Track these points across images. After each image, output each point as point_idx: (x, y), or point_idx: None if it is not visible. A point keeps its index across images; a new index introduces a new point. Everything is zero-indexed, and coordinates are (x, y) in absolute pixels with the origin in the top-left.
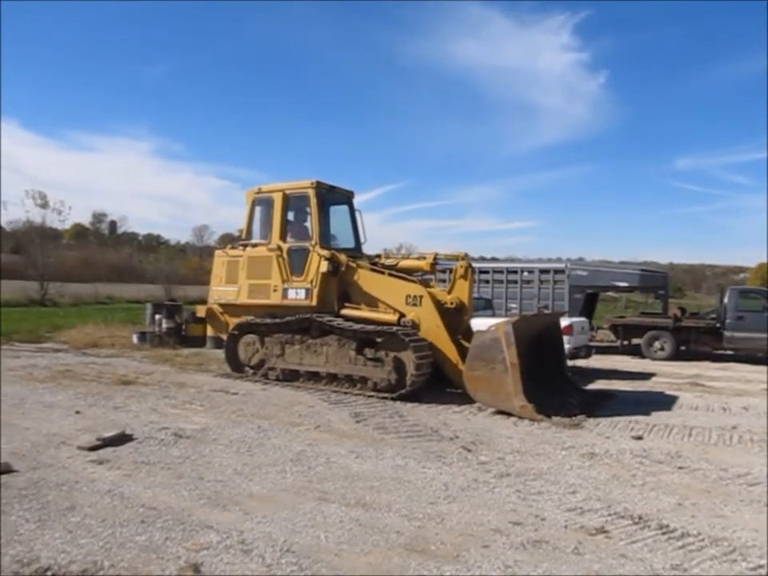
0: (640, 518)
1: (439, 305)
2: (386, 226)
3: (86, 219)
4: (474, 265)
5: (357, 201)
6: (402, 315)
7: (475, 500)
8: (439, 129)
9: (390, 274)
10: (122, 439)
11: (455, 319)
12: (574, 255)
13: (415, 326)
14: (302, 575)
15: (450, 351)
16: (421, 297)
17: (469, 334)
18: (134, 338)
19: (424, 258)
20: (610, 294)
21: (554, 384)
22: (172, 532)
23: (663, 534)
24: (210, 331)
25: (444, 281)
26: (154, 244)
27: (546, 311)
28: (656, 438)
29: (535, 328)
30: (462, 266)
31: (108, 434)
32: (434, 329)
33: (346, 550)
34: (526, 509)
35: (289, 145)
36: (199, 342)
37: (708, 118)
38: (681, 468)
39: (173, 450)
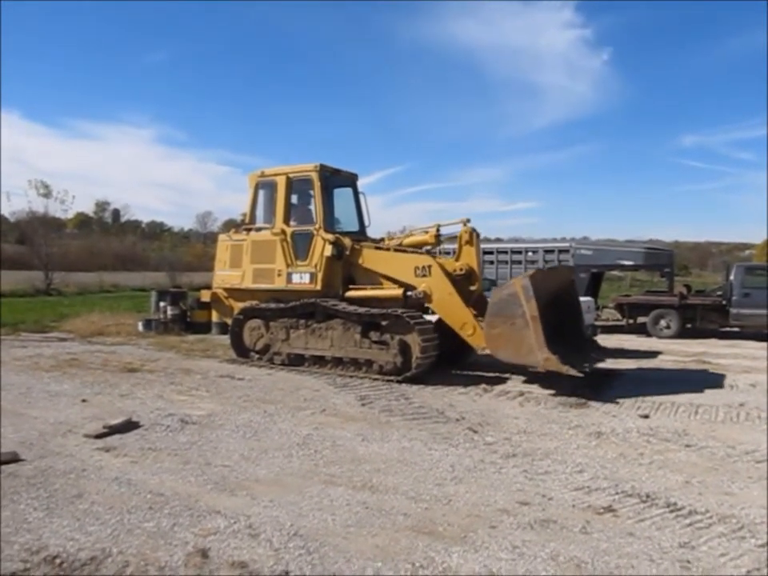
0: (647, 496)
1: (449, 274)
2: (389, 209)
3: (89, 208)
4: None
5: (359, 184)
6: (408, 289)
7: (482, 481)
8: (441, 110)
9: (396, 250)
10: (128, 426)
11: (466, 288)
12: (579, 235)
13: (427, 296)
14: (309, 558)
15: (467, 316)
16: (429, 266)
17: (482, 302)
18: (140, 326)
19: (427, 232)
20: (615, 272)
21: (572, 342)
22: (180, 518)
23: (671, 511)
24: (215, 317)
25: (449, 252)
26: (157, 231)
27: None
28: (662, 417)
29: (552, 285)
30: (466, 231)
31: (114, 422)
32: (446, 297)
33: (354, 532)
34: (533, 489)
35: (290, 130)
36: (204, 328)
37: (712, 94)
38: (688, 446)
39: (179, 436)
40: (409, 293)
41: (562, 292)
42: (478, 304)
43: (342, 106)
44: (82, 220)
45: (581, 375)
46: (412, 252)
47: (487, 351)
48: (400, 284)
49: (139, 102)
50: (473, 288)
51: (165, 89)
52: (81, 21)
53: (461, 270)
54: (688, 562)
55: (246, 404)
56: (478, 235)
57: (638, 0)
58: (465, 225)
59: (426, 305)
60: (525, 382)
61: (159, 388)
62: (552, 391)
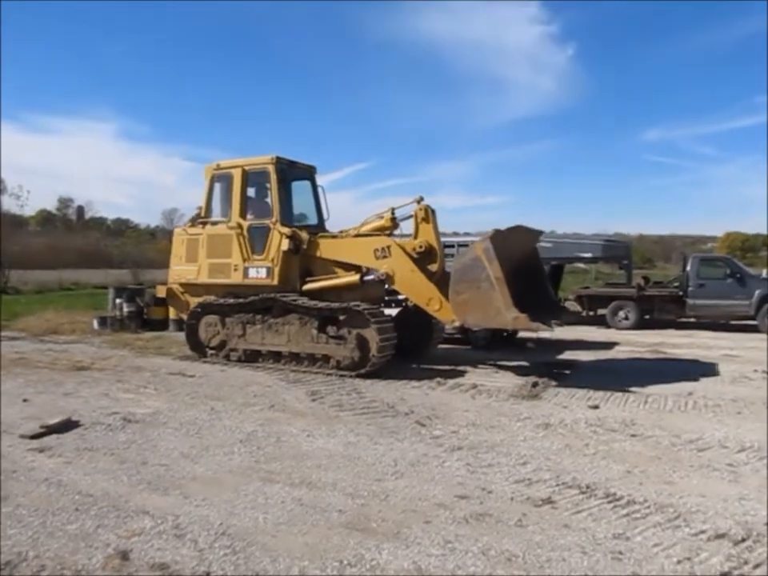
0: (588, 487)
1: (408, 253)
2: (359, 204)
3: (52, 205)
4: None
5: (328, 179)
6: (365, 273)
7: (423, 475)
8: (409, 105)
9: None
10: (67, 426)
11: (428, 265)
12: (547, 228)
13: (389, 277)
14: (234, 558)
15: (432, 291)
16: (389, 246)
17: (446, 279)
18: (95, 323)
19: (382, 217)
20: (581, 265)
21: (540, 304)
22: (105, 519)
23: (609, 502)
24: (172, 314)
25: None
26: (123, 228)
27: None
28: (612, 407)
29: (515, 247)
30: (421, 209)
31: (53, 421)
32: (408, 275)
33: (284, 530)
34: (473, 482)
35: (257, 124)
36: (162, 325)
37: (675, 90)
38: (633, 436)
39: (120, 435)
40: (366, 277)
41: (526, 256)
42: (441, 281)
43: (309, 100)
44: (45, 217)
45: (551, 330)
46: (370, 234)
47: (457, 323)
48: (359, 271)
49: (100, 95)
50: (434, 265)
51: (127, 82)
52: (39, 12)
53: (420, 247)
54: (620, 553)
55: (193, 401)
56: (433, 212)
57: None
58: (419, 203)
59: (390, 286)
60: (480, 375)
61: (106, 386)
62: (505, 383)
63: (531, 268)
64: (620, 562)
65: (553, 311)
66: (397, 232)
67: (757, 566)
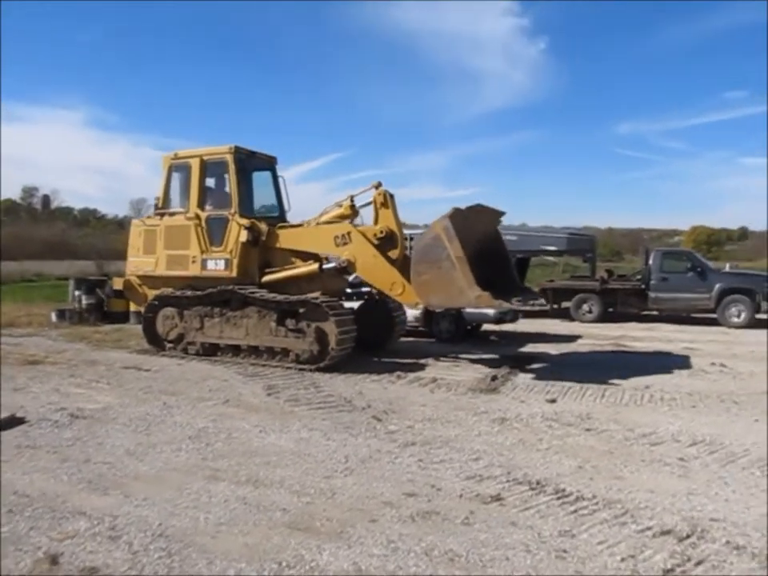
0: (538, 483)
1: (369, 240)
2: (333, 194)
3: (16, 194)
4: (405, 232)
5: (302, 169)
6: (323, 262)
7: (373, 472)
8: (384, 96)
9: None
10: (11, 423)
11: (389, 251)
12: (517, 221)
13: (351, 264)
14: (168, 561)
15: (394, 276)
16: (348, 233)
17: (407, 264)
18: (53, 316)
19: (341, 206)
20: (551, 258)
21: (503, 285)
22: (39, 521)
23: (558, 498)
24: (133, 306)
25: None
26: (89, 219)
27: None
28: (569, 401)
29: (477, 227)
30: (379, 194)
31: None
32: (370, 260)
33: (224, 531)
34: (423, 479)
35: (229, 115)
36: (122, 317)
37: (646, 84)
38: (588, 430)
39: (65, 431)
40: (325, 266)
41: (488, 237)
42: (404, 266)
43: (283, 89)
44: (9, 206)
45: (514, 307)
46: (329, 222)
47: (420, 306)
48: (318, 260)
49: (69, 83)
50: (395, 251)
51: (96, 70)
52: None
53: (381, 232)
54: (564, 551)
55: (146, 396)
56: (392, 196)
57: None
58: (377, 188)
59: (353, 273)
60: (441, 368)
61: (57, 381)
62: (465, 377)
63: (494, 250)
64: (563, 561)
65: (516, 290)
66: (358, 221)
67: (699, 563)
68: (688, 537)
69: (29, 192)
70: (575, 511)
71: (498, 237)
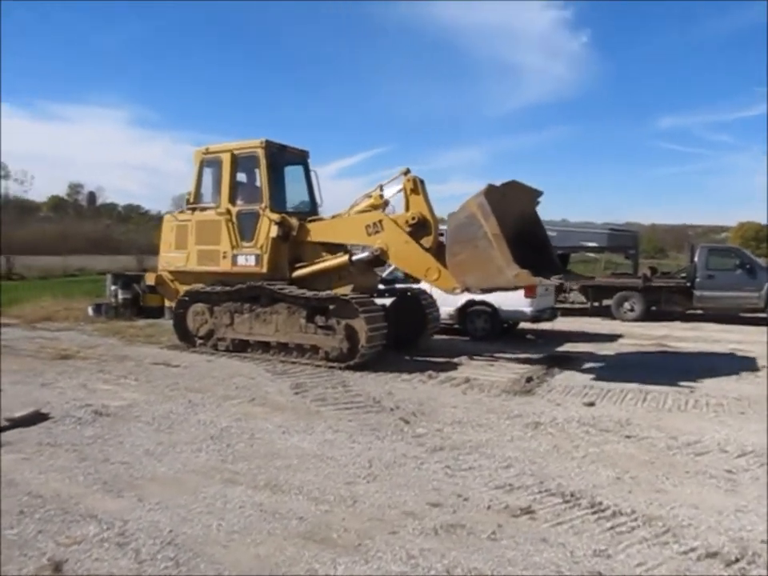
0: (572, 495)
1: (401, 226)
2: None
3: (63, 191)
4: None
5: (341, 165)
6: (353, 253)
7: (398, 478)
8: (421, 91)
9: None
10: (35, 419)
11: (422, 239)
12: (557, 217)
13: (384, 252)
14: (175, 572)
15: (429, 261)
16: (380, 221)
17: (442, 250)
18: (90, 311)
19: (371, 196)
20: (592, 255)
21: (542, 266)
22: (49, 524)
23: (594, 513)
24: (167, 301)
25: None
26: (133, 215)
27: None
28: (608, 404)
29: (514, 205)
30: (408, 180)
31: (20, 414)
32: (403, 247)
33: (236, 540)
34: (450, 487)
35: (268, 112)
36: (157, 312)
37: (690, 76)
38: (628, 437)
39: (87, 429)
40: (355, 257)
41: (527, 217)
42: (439, 254)
43: (321, 86)
44: (57, 203)
45: (556, 284)
46: (360, 212)
47: (458, 290)
48: (348, 252)
49: (111, 82)
50: (429, 237)
51: (137, 68)
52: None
53: (413, 219)
54: (599, 574)
55: (172, 393)
56: (422, 182)
57: None
58: (406, 175)
59: (387, 261)
60: (475, 367)
61: (86, 376)
62: (499, 378)
63: (533, 232)
64: None
65: (557, 272)
66: (390, 211)
67: None
68: (737, 561)
69: (75, 189)
70: (612, 528)
71: (536, 218)
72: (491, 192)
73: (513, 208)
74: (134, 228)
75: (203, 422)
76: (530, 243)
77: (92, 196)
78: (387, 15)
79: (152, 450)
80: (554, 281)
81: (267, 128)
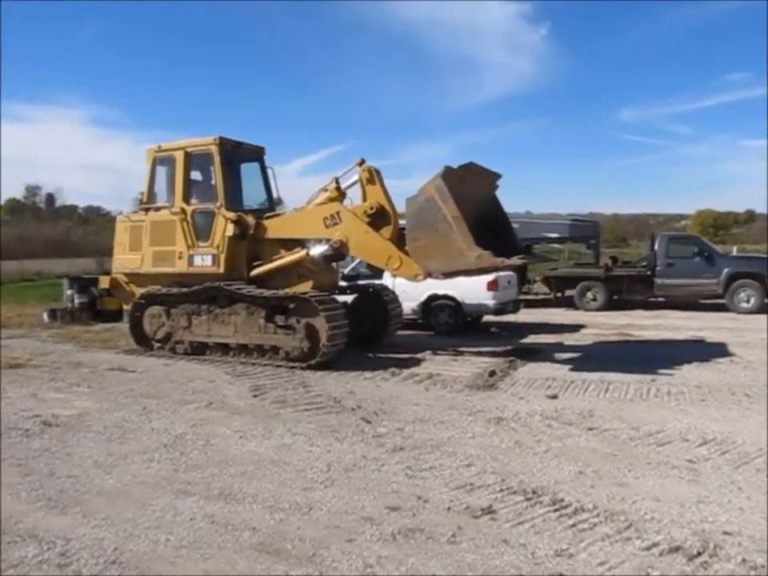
0: (534, 492)
1: (360, 217)
2: None
3: (20, 194)
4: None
5: (301, 163)
6: (310, 248)
7: (356, 482)
8: (383, 86)
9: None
10: None
11: (381, 229)
12: (521, 209)
13: (343, 244)
14: None
15: (390, 249)
16: (338, 212)
17: (402, 239)
18: (45, 316)
19: (327, 190)
20: (556, 245)
21: (504, 247)
22: None
23: (555, 510)
24: (125, 305)
25: None
26: (94, 217)
27: None
28: (571, 397)
29: (474, 189)
30: (364, 170)
31: None
32: (363, 237)
33: (185, 555)
34: (410, 489)
35: (230, 109)
36: (115, 316)
37: (649, 68)
38: (590, 429)
39: (34, 441)
40: (312, 251)
41: (486, 201)
42: (400, 243)
43: (282, 82)
44: (13, 206)
45: (519, 263)
46: (317, 205)
47: (421, 277)
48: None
49: (70, 81)
50: (388, 228)
51: (95, 67)
52: None
53: (371, 208)
54: (561, 575)
55: (126, 400)
56: (378, 171)
57: None
58: (361, 165)
59: (347, 253)
60: (438, 363)
61: (37, 385)
62: (463, 372)
63: (493, 216)
64: None
65: (519, 253)
66: (347, 203)
67: None
68: (699, 554)
69: (32, 191)
70: (574, 525)
71: (496, 201)
72: (448, 174)
73: (472, 192)
74: (93, 230)
75: (157, 430)
76: (491, 227)
77: (50, 198)
78: (350, 12)
79: (101, 462)
80: (516, 260)
81: (228, 126)
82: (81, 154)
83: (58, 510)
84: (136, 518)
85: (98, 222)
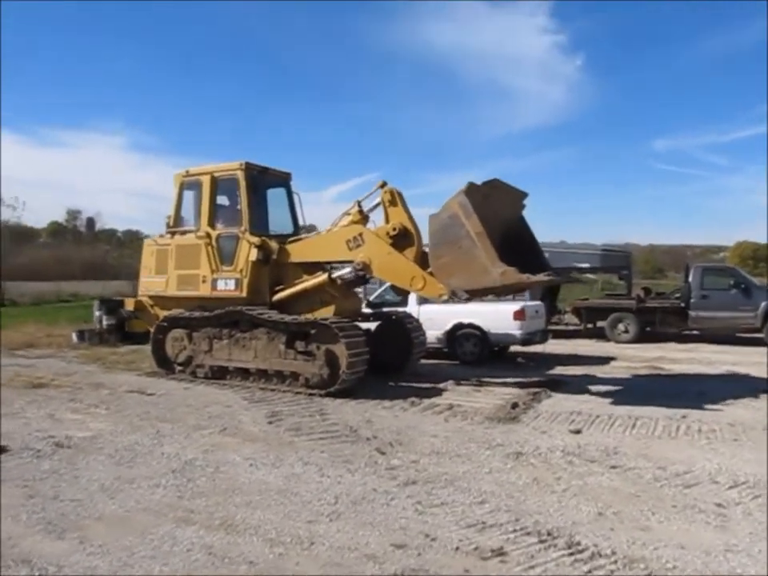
0: (549, 533)
1: (382, 238)
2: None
3: (62, 217)
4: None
5: (335, 191)
6: (331, 270)
7: (363, 516)
8: (418, 115)
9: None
10: None
11: (405, 250)
12: (557, 238)
13: (367, 266)
14: None
15: (413, 270)
16: (361, 234)
17: (425, 259)
18: (73, 337)
19: (349, 214)
20: (589, 276)
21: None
22: None
23: (570, 554)
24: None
25: None
26: (133, 240)
27: None
28: (595, 432)
29: (497, 213)
30: (386, 192)
31: None
32: (386, 258)
33: None
34: (418, 526)
35: (264, 136)
36: (143, 338)
37: (685, 98)
38: (614, 467)
39: (44, 463)
40: (335, 274)
41: (512, 220)
42: (423, 264)
43: (316, 111)
44: (56, 229)
45: (545, 280)
46: (340, 227)
47: (445, 296)
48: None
49: (109, 108)
50: (412, 249)
51: (135, 94)
52: (48, 25)
53: (394, 230)
54: None
55: (141, 423)
56: (400, 194)
57: (610, 0)
58: (383, 188)
59: (369, 276)
60: (460, 393)
61: (56, 405)
62: (485, 404)
63: (520, 236)
64: None
65: (546, 270)
66: (371, 226)
67: None
68: None
69: (73, 215)
70: (589, 572)
71: (522, 220)
72: (472, 190)
73: (497, 209)
74: (129, 253)
75: (168, 455)
76: (517, 247)
77: (90, 222)
78: (386, 40)
79: (107, 486)
80: (542, 276)
81: (265, 152)
82: (120, 178)
83: (56, 535)
84: (133, 546)
85: (134, 245)
